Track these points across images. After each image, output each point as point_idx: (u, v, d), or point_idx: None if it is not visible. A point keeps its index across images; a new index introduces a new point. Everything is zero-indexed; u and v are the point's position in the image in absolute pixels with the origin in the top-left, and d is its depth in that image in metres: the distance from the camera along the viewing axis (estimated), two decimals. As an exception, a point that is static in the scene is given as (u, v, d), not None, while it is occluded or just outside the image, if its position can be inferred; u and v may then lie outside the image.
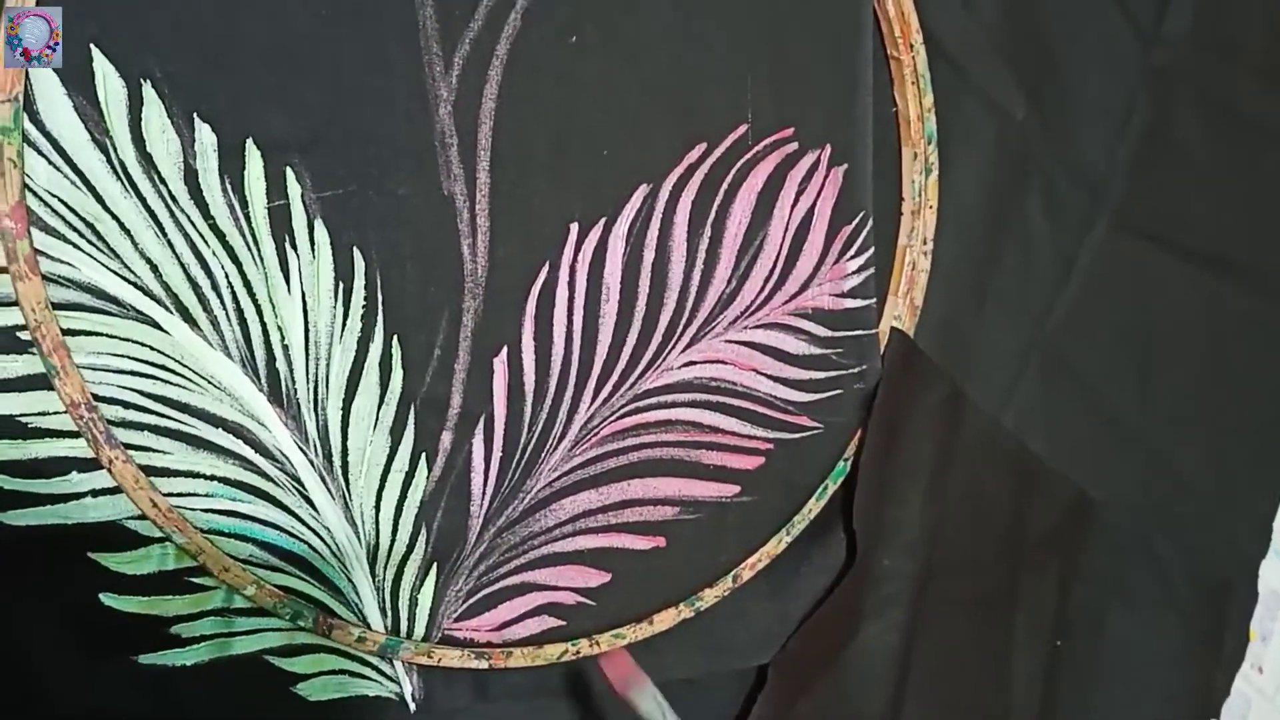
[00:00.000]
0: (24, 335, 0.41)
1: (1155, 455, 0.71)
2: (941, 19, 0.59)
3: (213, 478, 0.45)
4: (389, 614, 0.49)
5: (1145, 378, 0.70)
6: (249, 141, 0.43)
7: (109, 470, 0.43)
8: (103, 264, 0.42)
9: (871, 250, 0.58)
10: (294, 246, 0.45)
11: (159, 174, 0.42)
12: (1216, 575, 0.73)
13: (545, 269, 0.50)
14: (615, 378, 0.52)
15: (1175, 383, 0.70)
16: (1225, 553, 0.74)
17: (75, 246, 0.41)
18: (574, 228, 0.50)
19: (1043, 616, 0.68)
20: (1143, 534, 0.71)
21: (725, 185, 0.53)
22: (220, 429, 0.44)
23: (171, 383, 0.43)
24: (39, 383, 0.41)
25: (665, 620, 0.54)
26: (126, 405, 0.43)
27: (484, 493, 0.50)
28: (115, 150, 0.41)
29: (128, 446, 0.43)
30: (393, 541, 0.48)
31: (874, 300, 0.59)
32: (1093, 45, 0.64)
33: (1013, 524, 0.66)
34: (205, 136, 0.43)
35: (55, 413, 0.42)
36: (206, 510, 0.45)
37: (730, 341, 0.55)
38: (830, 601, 0.59)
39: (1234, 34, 0.68)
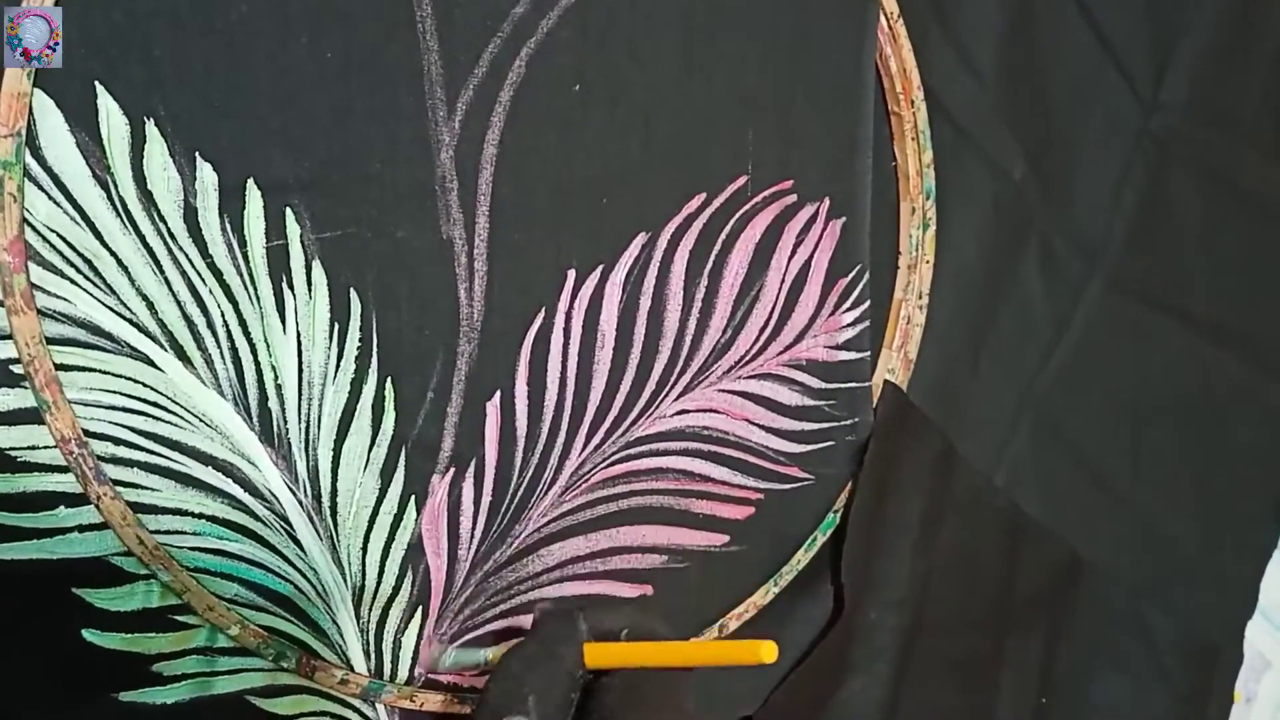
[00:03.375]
0: (17, 369, 0.41)
1: (1144, 517, 0.71)
2: (943, 77, 0.59)
3: (201, 516, 0.44)
4: (373, 656, 0.49)
5: (1136, 440, 0.70)
6: (250, 181, 0.43)
7: (97, 506, 0.42)
8: (99, 300, 0.42)
9: (867, 303, 0.58)
10: (291, 287, 0.45)
11: (159, 211, 0.42)
12: (1202, 639, 0.73)
13: (541, 314, 0.50)
14: (608, 425, 0.52)
15: (1165, 446, 0.71)
16: (1211, 616, 0.74)
17: (72, 282, 0.41)
18: (571, 274, 0.50)
19: (1028, 675, 0.68)
20: (1130, 596, 0.71)
21: (723, 235, 0.53)
22: (210, 467, 0.44)
23: (163, 420, 0.43)
24: (30, 417, 0.41)
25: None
26: (117, 441, 0.43)
27: (472, 536, 0.50)
28: (116, 187, 0.41)
29: (116, 483, 0.43)
30: (379, 583, 0.48)
31: (868, 353, 0.59)
32: (1092, 108, 0.65)
33: (1001, 582, 0.66)
34: (206, 175, 0.43)
35: (45, 447, 0.42)
36: (193, 548, 0.44)
37: (724, 391, 0.55)
38: (816, 654, 0.59)
39: (1231, 103, 0.69)
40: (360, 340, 0.46)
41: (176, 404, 0.44)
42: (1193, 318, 0.71)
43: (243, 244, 0.44)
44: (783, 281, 0.55)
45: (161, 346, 0.43)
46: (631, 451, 0.53)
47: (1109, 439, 0.70)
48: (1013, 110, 0.63)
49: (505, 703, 0.40)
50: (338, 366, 0.46)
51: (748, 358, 0.55)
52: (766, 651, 0.40)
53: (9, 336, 0.41)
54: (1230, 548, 0.75)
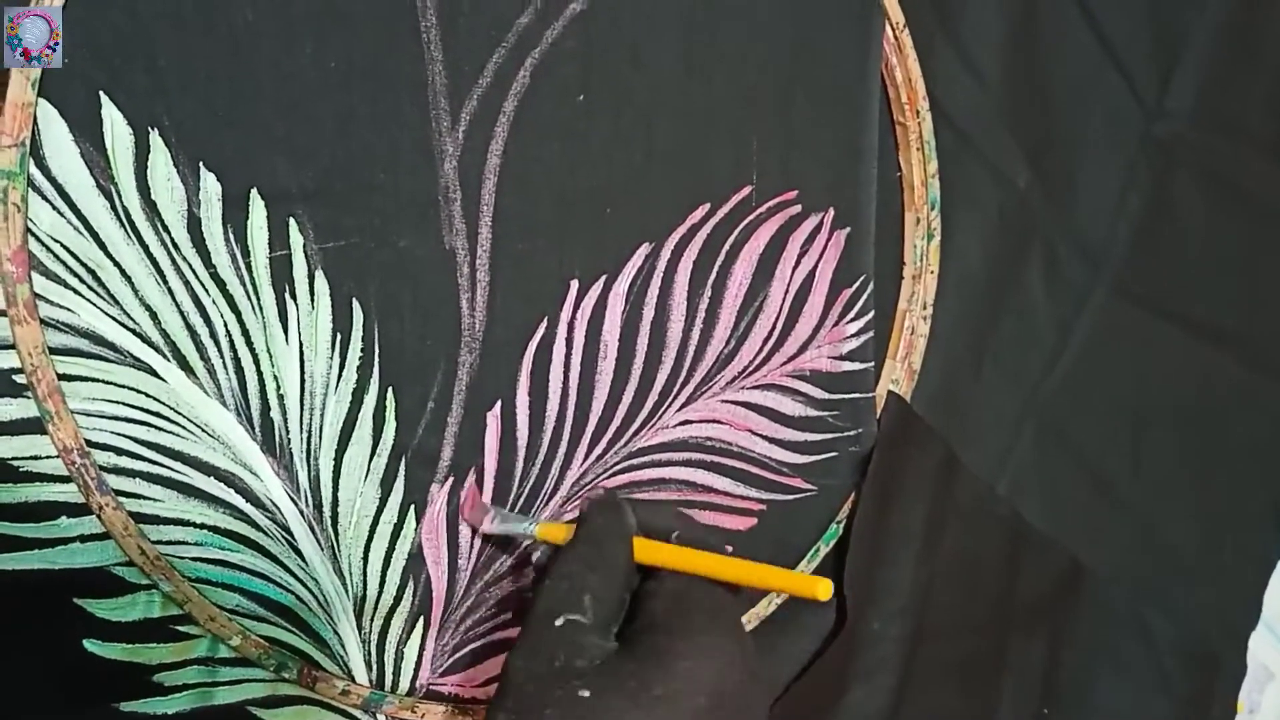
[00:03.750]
0: (20, 379, 0.41)
1: (1147, 525, 0.71)
2: (948, 87, 0.59)
3: (203, 526, 0.44)
4: (374, 667, 0.49)
5: (1139, 447, 0.70)
6: (253, 191, 0.43)
7: (98, 516, 0.42)
8: (102, 310, 0.42)
9: (871, 314, 0.58)
10: (294, 297, 0.45)
11: (162, 221, 0.42)
12: (1205, 647, 0.73)
13: (543, 325, 0.50)
14: (609, 435, 0.52)
15: (1168, 453, 0.70)
16: (1214, 624, 0.74)
17: (75, 292, 0.41)
18: (574, 284, 0.50)
19: (1031, 682, 0.67)
20: (1133, 603, 0.71)
21: (727, 246, 0.53)
22: (212, 477, 0.44)
23: (165, 430, 0.43)
24: (32, 427, 0.41)
25: (651, 679, 0.54)
26: (119, 451, 0.43)
27: (472, 546, 0.50)
28: (120, 197, 0.41)
29: (118, 493, 0.43)
30: (380, 594, 0.48)
31: (872, 364, 0.59)
32: (1096, 115, 0.65)
33: (1004, 589, 0.66)
34: (210, 185, 0.43)
35: (47, 457, 0.41)
36: (195, 559, 0.44)
37: (727, 401, 0.55)
38: (819, 664, 0.59)
39: (1236, 109, 0.68)
40: (362, 350, 0.46)
41: (179, 414, 0.44)
42: (1196, 323, 0.70)
43: (246, 254, 0.44)
44: (786, 292, 0.55)
45: (164, 356, 0.43)
46: (633, 462, 0.53)
47: (1111, 443, 0.70)
48: (1017, 118, 0.63)
49: (561, 603, 0.40)
50: (339, 376, 0.46)
51: (751, 368, 0.55)
52: (823, 589, 0.39)
53: (12, 346, 0.41)
54: (1232, 552, 0.75)
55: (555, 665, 0.38)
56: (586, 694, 0.37)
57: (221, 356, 0.44)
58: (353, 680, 0.48)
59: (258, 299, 0.44)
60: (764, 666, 0.55)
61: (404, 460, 0.48)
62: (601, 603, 0.41)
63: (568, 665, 0.38)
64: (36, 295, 0.41)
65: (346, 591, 0.47)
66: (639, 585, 0.42)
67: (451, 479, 0.49)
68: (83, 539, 0.43)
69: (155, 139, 0.42)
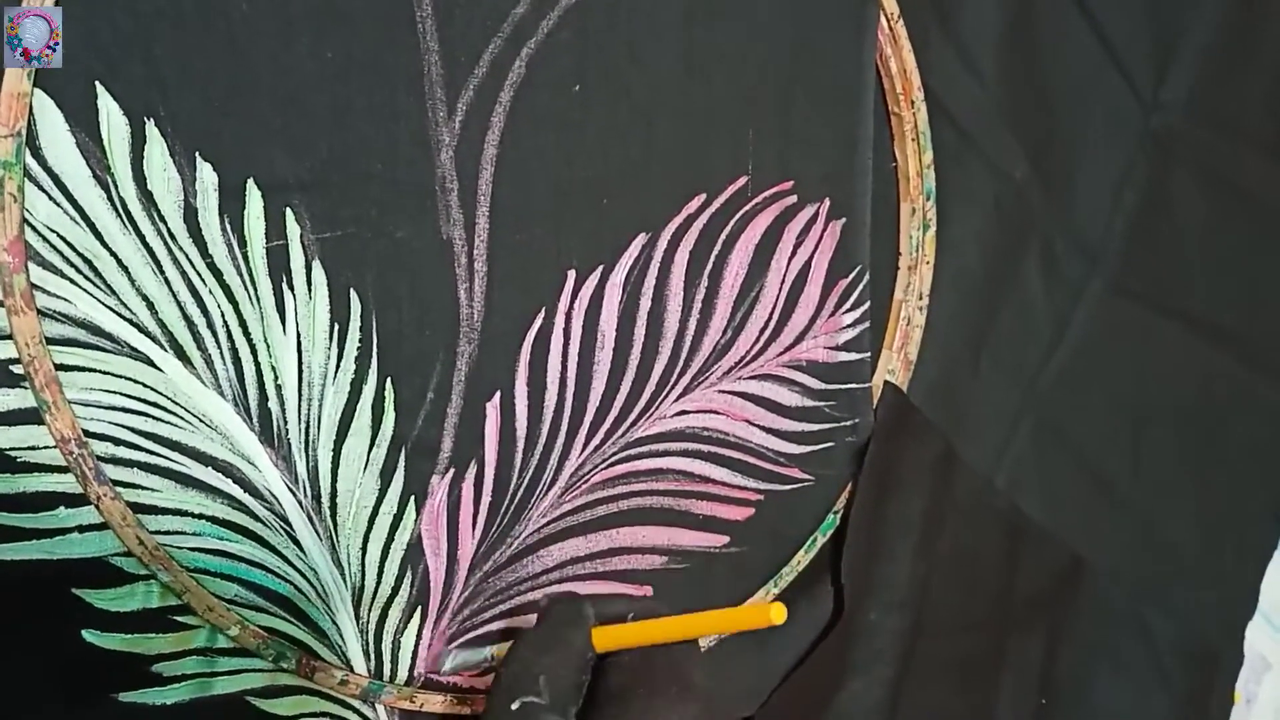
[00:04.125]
0: (17, 369, 0.41)
1: (1145, 519, 0.71)
2: (943, 78, 0.59)
3: (201, 516, 0.44)
4: (372, 657, 0.49)
5: (1136, 441, 0.70)
6: (250, 181, 0.43)
7: (96, 506, 0.42)
8: (99, 300, 0.42)
9: (867, 304, 0.58)
10: (291, 287, 0.45)
11: (159, 212, 0.42)
12: (1203, 640, 0.73)
13: (541, 315, 0.50)
14: (607, 425, 0.52)
15: (1166, 449, 0.71)
16: (1212, 617, 0.74)
17: (72, 282, 0.41)
18: (571, 274, 0.50)
19: (1029, 676, 0.67)
20: (1131, 597, 0.71)
21: (724, 236, 0.53)
22: (210, 468, 0.44)
23: (163, 420, 0.43)
24: (30, 417, 0.41)
25: (650, 670, 0.54)
26: (117, 442, 0.43)
27: (472, 537, 0.50)
28: (116, 187, 0.42)
29: (116, 483, 0.43)
30: (378, 584, 0.48)
31: (868, 354, 0.59)
32: (1093, 109, 0.65)
33: (1002, 583, 0.66)
34: (206, 175, 0.43)
35: (45, 447, 0.42)
36: (193, 549, 0.44)
37: (724, 392, 0.55)
38: (816, 655, 0.59)
39: (1232, 104, 0.68)
40: (360, 341, 0.46)
41: (176, 404, 0.44)
42: (1194, 319, 0.70)
43: (243, 244, 0.44)
44: (783, 282, 0.55)
45: (161, 347, 0.43)
46: (631, 452, 0.53)
47: (1109, 440, 0.70)
48: (1014, 111, 0.63)
49: (517, 685, 0.41)
50: (338, 367, 0.46)
51: (748, 358, 0.55)
52: (776, 613, 0.40)
53: (9, 337, 0.41)
54: (1231, 549, 0.75)
55: None
56: None
57: (219, 347, 0.44)
58: (351, 670, 0.48)
59: (255, 289, 0.44)
60: (750, 676, 0.56)
61: (404, 451, 0.48)
62: (557, 683, 0.41)
63: None
64: (33, 285, 0.41)
65: (345, 581, 0.47)
66: (602, 662, 0.43)
67: (452, 470, 0.49)
68: (81, 529, 0.43)
69: (151, 129, 0.42)
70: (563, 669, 0.42)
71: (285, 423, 0.45)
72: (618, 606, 0.45)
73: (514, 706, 0.40)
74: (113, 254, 0.42)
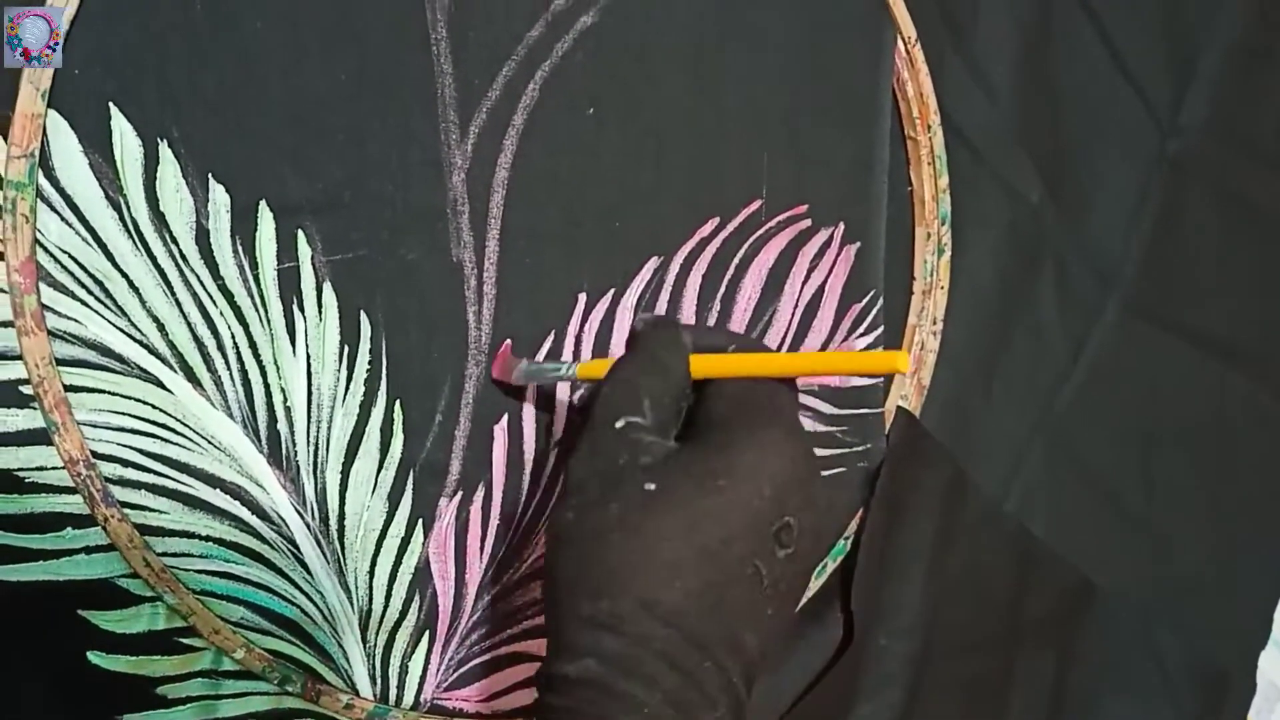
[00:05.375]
0: (26, 390, 0.41)
1: (1157, 542, 0.70)
2: (960, 102, 0.59)
3: (208, 538, 0.44)
4: (378, 681, 0.48)
5: (1149, 465, 0.69)
6: (262, 203, 0.43)
7: (104, 528, 0.42)
8: (109, 321, 0.42)
9: (881, 329, 0.58)
10: (301, 309, 0.45)
11: (171, 233, 0.42)
12: (1214, 665, 0.73)
13: (551, 338, 0.49)
14: (617, 449, 0.52)
15: (1179, 471, 0.70)
16: (1224, 643, 0.73)
17: (83, 303, 0.41)
18: (582, 297, 0.50)
19: (1038, 700, 0.67)
20: (1142, 621, 0.70)
21: (737, 260, 0.53)
22: (218, 490, 0.44)
23: (171, 442, 0.43)
24: (39, 438, 0.41)
25: (657, 695, 0.53)
26: (125, 463, 0.43)
27: (480, 560, 0.50)
28: (129, 208, 0.41)
29: (124, 505, 0.43)
30: (385, 607, 0.48)
31: (881, 379, 0.58)
32: (1109, 131, 0.64)
33: (1012, 606, 0.66)
34: (219, 197, 0.43)
35: (53, 468, 0.41)
36: (200, 571, 0.44)
37: (735, 416, 0.54)
38: (826, 680, 0.58)
39: (1249, 126, 0.68)
40: (370, 363, 0.46)
41: (185, 426, 0.43)
42: (1209, 341, 0.70)
43: (254, 265, 0.44)
44: (796, 306, 0.55)
45: (171, 368, 0.43)
46: (641, 476, 0.52)
47: (1122, 462, 0.69)
48: (1029, 134, 0.62)
49: (620, 406, 0.39)
50: (347, 389, 0.46)
51: (759, 382, 0.55)
52: (901, 360, 0.37)
53: (19, 357, 0.41)
54: (1243, 572, 0.74)
55: (619, 463, 0.38)
56: (652, 486, 0.37)
57: (228, 368, 0.44)
58: (357, 694, 0.48)
59: (265, 311, 0.44)
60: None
61: (412, 473, 0.47)
62: (660, 406, 0.40)
63: (631, 463, 0.38)
64: (44, 306, 0.41)
65: (352, 605, 0.47)
66: (698, 396, 0.41)
67: (460, 493, 0.48)
68: (88, 550, 0.42)
69: (164, 150, 0.42)
70: (665, 390, 0.40)
71: (294, 444, 0.45)
72: (716, 338, 0.43)
73: (618, 425, 0.39)
74: (124, 275, 0.42)
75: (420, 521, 0.48)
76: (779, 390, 0.41)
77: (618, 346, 0.51)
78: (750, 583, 0.37)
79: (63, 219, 0.41)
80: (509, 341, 0.48)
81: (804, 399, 0.56)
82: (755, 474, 0.37)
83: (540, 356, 0.49)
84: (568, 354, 0.50)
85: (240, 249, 0.43)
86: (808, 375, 0.40)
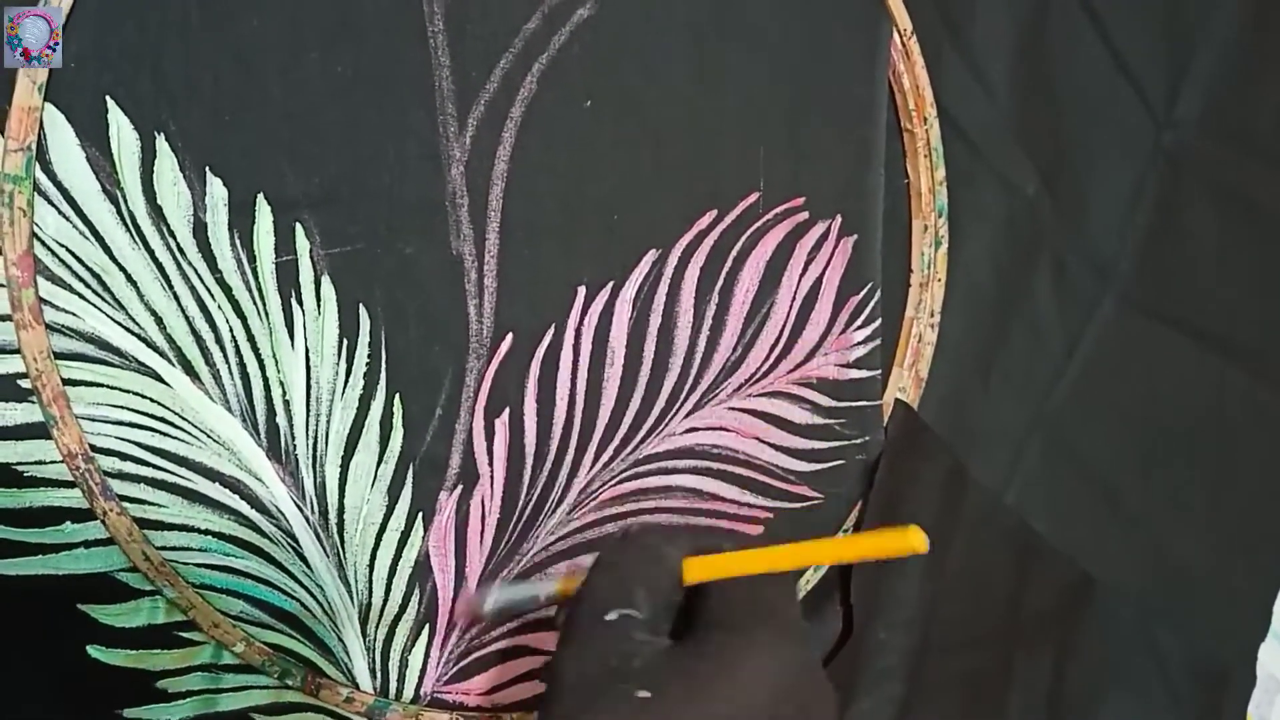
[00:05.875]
0: (24, 384, 0.41)
1: (1156, 537, 0.70)
2: (956, 94, 0.59)
3: (207, 532, 0.44)
4: (379, 675, 0.48)
5: (1148, 459, 0.69)
6: (260, 196, 0.43)
7: (103, 522, 0.42)
8: (107, 315, 0.42)
9: (878, 321, 0.58)
10: (300, 302, 0.45)
11: (168, 226, 0.42)
12: (1214, 660, 0.73)
13: (551, 331, 0.49)
14: (616, 442, 0.52)
15: (1177, 465, 0.70)
16: (1224, 637, 0.73)
17: (80, 297, 0.41)
18: (581, 291, 0.50)
19: (1037, 696, 0.67)
20: (1141, 616, 0.70)
21: (734, 252, 0.53)
22: (217, 483, 0.44)
23: (170, 435, 0.43)
24: (37, 431, 0.41)
25: (657, 689, 0.53)
26: (124, 457, 0.43)
27: (480, 554, 0.50)
28: (126, 202, 0.41)
29: (123, 498, 0.43)
30: (385, 601, 0.48)
31: (879, 371, 0.58)
32: (1106, 125, 0.64)
33: (1011, 601, 0.65)
34: (216, 190, 0.43)
35: (52, 462, 0.41)
36: (199, 565, 0.44)
37: (733, 409, 0.54)
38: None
39: (1245, 120, 0.68)
40: (369, 356, 0.46)
41: (184, 419, 0.43)
42: (1206, 335, 0.70)
43: (252, 259, 0.44)
44: (794, 299, 0.55)
45: (169, 362, 0.43)
46: (640, 469, 0.52)
47: (1120, 457, 0.69)
48: (1026, 127, 0.62)
49: (613, 596, 0.38)
50: (346, 382, 0.46)
51: (758, 376, 0.55)
52: (917, 539, 0.35)
53: (17, 351, 0.40)
54: (1242, 567, 0.74)
55: (610, 665, 0.36)
56: (645, 695, 0.35)
57: (227, 362, 0.44)
58: (357, 688, 0.48)
59: (264, 304, 0.44)
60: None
61: (412, 467, 0.47)
62: (655, 597, 0.38)
63: (622, 665, 0.36)
64: (42, 300, 0.41)
65: (352, 598, 0.47)
66: (694, 595, 0.40)
67: (460, 486, 0.48)
68: (86, 545, 0.42)
69: (161, 144, 0.42)
70: (660, 584, 0.38)
71: (293, 438, 0.45)
72: (707, 542, 0.41)
73: (609, 618, 0.37)
74: (121, 269, 0.42)
75: (420, 515, 0.48)
76: (775, 587, 0.39)
77: (617, 340, 0.51)
78: None
79: (60, 213, 0.41)
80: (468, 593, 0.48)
81: (802, 392, 0.56)
82: (755, 681, 0.36)
83: (517, 513, 0.49)
84: (567, 350, 0.50)
85: (238, 242, 0.43)
86: (819, 563, 0.39)
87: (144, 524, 0.43)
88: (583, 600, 0.38)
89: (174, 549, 0.44)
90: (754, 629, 0.37)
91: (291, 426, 0.45)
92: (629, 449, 0.52)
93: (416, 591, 0.48)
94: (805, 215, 0.55)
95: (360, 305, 0.45)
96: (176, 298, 0.43)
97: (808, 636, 0.38)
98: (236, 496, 0.44)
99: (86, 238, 0.41)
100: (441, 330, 0.47)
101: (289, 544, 0.46)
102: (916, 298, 0.60)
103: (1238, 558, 0.74)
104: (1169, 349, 0.69)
